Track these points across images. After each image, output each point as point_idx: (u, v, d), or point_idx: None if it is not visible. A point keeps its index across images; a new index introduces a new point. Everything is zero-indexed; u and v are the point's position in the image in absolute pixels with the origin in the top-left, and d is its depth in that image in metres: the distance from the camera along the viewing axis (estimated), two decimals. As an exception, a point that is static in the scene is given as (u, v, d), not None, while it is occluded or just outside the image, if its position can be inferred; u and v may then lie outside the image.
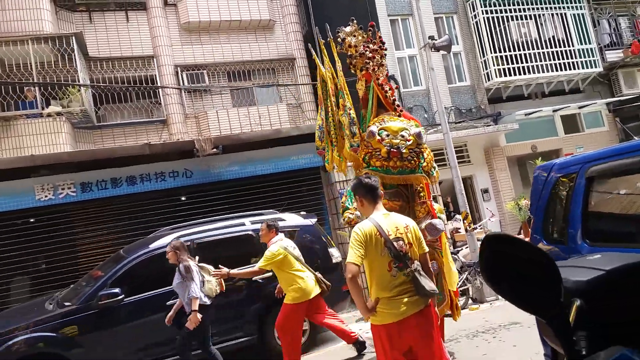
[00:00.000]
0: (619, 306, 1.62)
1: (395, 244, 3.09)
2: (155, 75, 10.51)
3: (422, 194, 4.50)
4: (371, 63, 4.74)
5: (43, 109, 8.68)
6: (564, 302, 1.46)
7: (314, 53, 5.61)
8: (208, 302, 5.09)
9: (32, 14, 9.35)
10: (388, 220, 3.19)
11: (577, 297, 1.51)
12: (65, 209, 7.39)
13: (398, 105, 4.84)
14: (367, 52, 4.74)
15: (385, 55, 4.94)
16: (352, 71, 4.89)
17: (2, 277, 6.22)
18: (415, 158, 4.32)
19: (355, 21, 4.91)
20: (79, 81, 9.05)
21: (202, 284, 5.10)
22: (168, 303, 5.67)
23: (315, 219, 6.97)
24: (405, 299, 3.05)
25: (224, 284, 5.38)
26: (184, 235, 6.20)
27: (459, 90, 12.37)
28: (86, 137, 9.35)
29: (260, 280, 6.11)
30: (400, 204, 4.34)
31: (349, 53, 4.82)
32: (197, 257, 5.42)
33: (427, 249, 3.30)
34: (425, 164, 4.47)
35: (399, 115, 4.67)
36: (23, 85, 8.81)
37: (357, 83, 4.86)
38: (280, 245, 5.11)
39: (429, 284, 3.10)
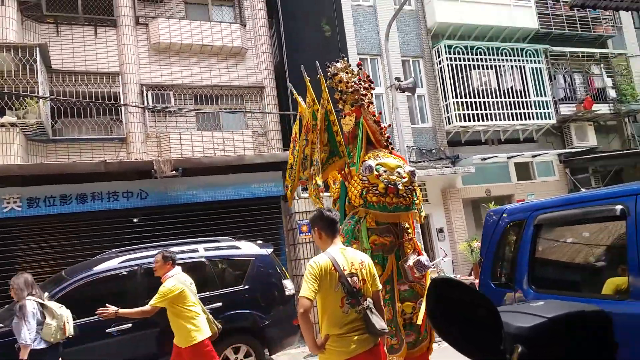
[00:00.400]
0: (559, 353, 1.65)
1: (349, 279, 3.07)
2: (119, 92, 10.30)
3: (409, 230, 4.57)
4: (365, 99, 4.81)
5: (-3, 118, 8.31)
6: (504, 349, 1.47)
7: (293, 91, 5.64)
8: (44, 346, 4.68)
9: (-4, 22, 9.07)
10: (344, 255, 3.17)
11: (520, 342, 1.54)
12: (8, 224, 6.99)
13: (390, 143, 4.92)
14: (361, 89, 4.80)
15: (372, 94, 5.02)
16: (340, 106, 4.91)
17: None
18: (409, 195, 4.38)
19: (345, 58, 5.02)
20: (38, 93, 8.75)
21: (40, 326, 4.69)
22: (108, 330, 5.42)
23: (272, 249, 6.88)
24: (355, 337, 3.02)
25: (68, 329, 4.91)
26: (130, 258, 5.99)
27: (421, 131, 12.74)
28: (40, 151, 8.97)
29: (209, 311, 5.91)
30: (391, 240, 4.36)
31: (339, 88, 4.86)
32: (46, 294, 5.08)
33: (380, 287, 3.30)
34: (418, 201, 4.53)
35: (390, 153, 4.73)
36: (-24, 91, 8.44)
37: (344, 118, 4.88)
38: (177, 280, 4.78)
39: (380, 323, 3.08)
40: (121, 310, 4.63)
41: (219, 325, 5.04)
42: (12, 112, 8.52)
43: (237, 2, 12.34)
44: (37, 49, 9.00)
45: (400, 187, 4.28)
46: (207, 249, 6.46)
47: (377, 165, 4.37)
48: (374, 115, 4.86)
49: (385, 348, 4.29)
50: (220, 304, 6.01)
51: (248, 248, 6.68)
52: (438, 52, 13.00)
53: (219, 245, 6.63)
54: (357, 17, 12.67)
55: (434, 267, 8.42)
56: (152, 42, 10.91)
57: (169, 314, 4.69)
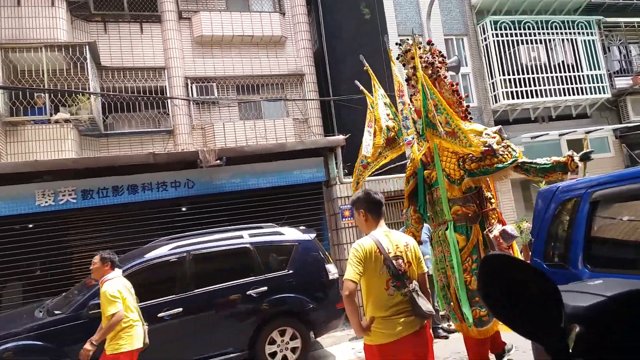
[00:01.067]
0: (619, 334, 1.54)
1: (394, 262, 3.02)
2: (165, 86, 10.58)
3: (492, 200, 4.60)
4: (441, 72, 4.85)
5: (51, 115, 8.75)
6: (564, 328, 1.38)
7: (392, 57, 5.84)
8: None
9: (48, 22, 9.49)
10: (389, 238, 3.13)
11: (577, 323, 1.44)
12: (64, 215, 7.36)
13: (469, 113, 4.97)
14: (436, 62, 4.82)
15: (446, 68, 5.01)
16: (413, 84, 4.95)
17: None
18: (507, 152, 4.39)
19: (415, 35, 5.02)
20: (89, 89, 9.13)
21: None
22: (160, 315, 5.61)
23: (314, 234, 6.89)
24: (402, 319, 2.98)
25: None
26: (179, 245, 6.16)
27: (467, 111, 12.32)
28: (92, 145, 9.39)
29: (255, 295, 6.03)
30: (474, 209, 4.41)
31: (411, 65, 4.88)
32: None
33: (425, 269, 3.24)
34: (518, 154, 4.47)
35: (470, 123, 4.77)
36: (32, 90, 8.90)
37: (415, 95, 4.93)
38: (122, 284, 4.49)
39: (426, 305, 3.03)
40: (94, 338, 4.29)
41: (147, 341, 4.61)
42: (65, 109, 8.94)
43: (276, -9, 12.33)
44: (87, 47, 9.37)
45: (495, 146, 4.28)
46: (251, 235, 6.55)
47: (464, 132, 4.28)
48: (452, 85, 4.86)
49: (473, 320, 4.23)
50: (265, 288, 6.09)
51: (291, 234, 6.72)
52: (483, 28, 12.48)
53: (263, 232, 6.71)
54: (397, -2, 12.34)
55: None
56: (195, 35, 11.10)
57: (104, 319, 4.32)
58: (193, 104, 10.62)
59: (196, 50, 11.12)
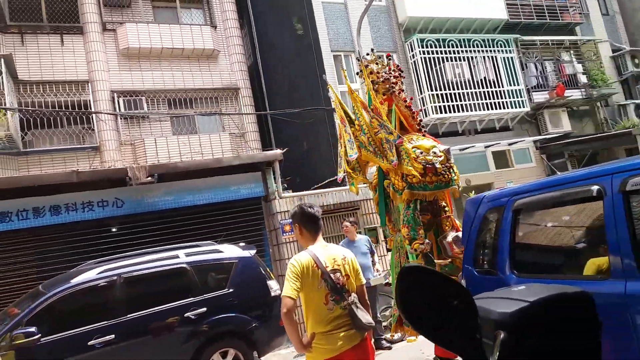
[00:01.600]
0: (543, 336, 1.62)
1: (332, 275, 3.02)
2: (90, 100, 10.06)
3: (446, 208, 4.90)
4: (396, 87, 5.14)
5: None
6: (481, 337, 1.42)
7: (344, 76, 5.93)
8: None
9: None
10: (326, 252, 3.12)
11: (502, 329, 1.50)
12: (-21, 241, 6.76)
13: (423, 127, 5.29)
14: (391, 78, 5.11)
15: (402, 82, 5.31)
16: (372, 97, 5.21)
17: None
18: (447, 172, 4.71)
19: (374, 51, 5.35)
20: (5, 104, 8.49)
21: None
22: (90, 343, 5.28)
23: (255, 251, 6.79)
24: (342, 333, 2.98)
25: None
26: (109, 269, 5.85)
27: (399, 124, 12.76)
28: (10, 164, 8.69)
29: (193, 317, 5.83)
30: (429, 218, 4.70)
31: (370, 79, 5.19)
32: None
33: (364, 281, 3.26)
34: (456, 177, 4.84)
35: (423, 136, 5.07)
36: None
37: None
38: None
39: (365, 317, 3.04)
40: None
41: None
42: (-23, 126, 8.24)
43: (207, 4, 12.18)
44: (2, 59, 8.74)
45: (437, 165, 4.58)
46: (188, 255, 6.34)
47: (412, 147, 4.67)
48: (405, 101, 5.21)
49: None
50: (204, 309, 5.91)
51: (231, 251, 6.58)
52: (411, 45, 13.05)
53: (200, 250, 6.52)
54: (329, 14, 12.63)
55: None
56: (120, 47, 10.69)
57: None
58: (121, 118, 10.18)
59: (122, 62, 10.70)
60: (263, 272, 6.54)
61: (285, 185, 8.90)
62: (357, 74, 5.58)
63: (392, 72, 5.27)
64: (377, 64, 5.29)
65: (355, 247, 6.70)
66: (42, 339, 5.04)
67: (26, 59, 9.83)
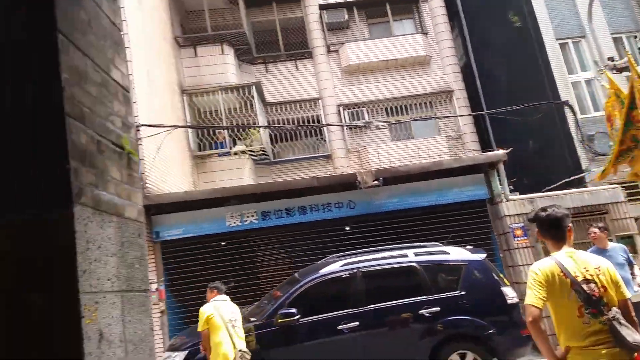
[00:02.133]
0: None
1: (584, 286, 2.72)
2: (321, 114, 11.42)
3: None
4: None
5: (231, 148, 10.07)
6: None
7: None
8: None
9: (220, 69, 10.99)
10: (574, 259, 2.82)
11: None
12: (249, 234, 8.34)
13: None
14: None
15: None
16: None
17: (199, 293, 7.21)
18: None
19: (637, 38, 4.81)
20: (258, 124, 10.30)
21: None
22: (339, 327, 5.92)
23: (485, 255, 6.58)
24: (603, 351, 2.65)
25: None
26: (349, 262, 6.46)
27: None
28: (264, 172, 10.53)
29: (427, 315, 6.00)
30: None
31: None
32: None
33: (628, 295, 2.84)
34: None
35: None
36: (214, 128, 10.34)
37: None
38: (213, 306, 5.50)
39: (633, 336, 2.64)
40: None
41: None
42: (241, 142, 10.20)
43: (417, 13, 12.54)
44: (254, 87, 10.60)
45: None
46: (416, 254, 6.54)
47: None
48: None
49: None
50: (438, 308, 5.99)
51: (458, 253, 6.55)
52: (660, 20, 11.04)
53: (427, 251, 6.65)
54: (550, 0, 11.60)
55: None
56: (343, 65, 11.83)
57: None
58: (346, 129, 11.24)
59: (345, 78, 11.82)
60: (496, 277, 6.31)
61: (511, 187, 8.48)
62: (595, 62, 4.86)
63: None
64: None
65: (609, 257, 5.81)
66: (300, 320, 5.84)
67: (270, 84, 11.71)
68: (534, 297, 2.74)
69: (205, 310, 5.48)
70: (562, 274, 2.77)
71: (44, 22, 0.91)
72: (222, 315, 5.48)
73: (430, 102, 11.76)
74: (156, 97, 8.60)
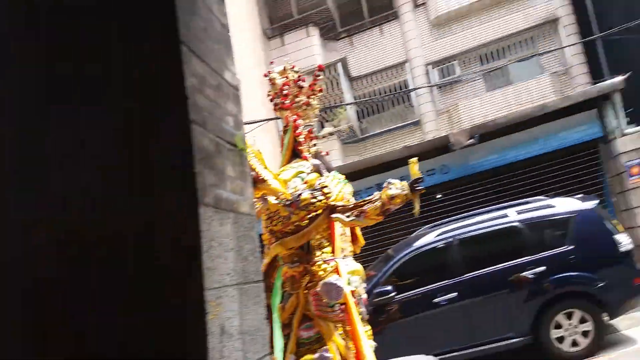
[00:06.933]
0: None
1: None
2: (408, 79, 10.91)
3: (325, 246, 3.32)
4: (296, 101, 3.70)
5: (319, 132, 10.21)
6: None
7: None
8: None
9: (306, 52, 11.08)
10: None
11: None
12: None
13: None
14: (284, 91, 3.69)
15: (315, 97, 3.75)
16: (278, 114, 3.98)
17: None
18: (317, 198, 3.20)
19: (289, 62, 3.86)
20: (345, 101, 10.25)
21: None
22: (435, 301, 5.76)
23: (597, 201, 5.95)
24: None
25: None
26: (444, 232, 6.22)
27: None
28: (353, 150, 10.48)
29: (532, 276, 5.56)
30: (300, 270, 3.27)
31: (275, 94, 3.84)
32: None
33: None
34: (339, 197, 3.33)
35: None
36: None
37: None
38: None
39: None
40: None
41: None
42: (329, 124, 10.28)
43: None
44: (340, 63, 10.51)
45: (304, 195, 3.11)
46: (518, 212, 6.07)
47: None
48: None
49: None
50: (544, 267, 5.58)
51: (566, 204, 5.96)
52: None
53: (531, 207, 6.15)
54: None
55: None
56: (431, 18, 11.05)
57: None
58: (436, 88, 10.61)
59: (434, 33, 11.09)
60: (608, 225, 5.65)
61: (628, 118, 7.25)
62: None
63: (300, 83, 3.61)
64: (285, 77, 3.76)
65: None
66: (396, 297, 5.76)
67: (355, 58, 11.49)
68: None
69: None
70: None
71: (168, 36, 0.96)
72: None
73: (531, 38, 10.48)
74: (247, 92, 9.04)
